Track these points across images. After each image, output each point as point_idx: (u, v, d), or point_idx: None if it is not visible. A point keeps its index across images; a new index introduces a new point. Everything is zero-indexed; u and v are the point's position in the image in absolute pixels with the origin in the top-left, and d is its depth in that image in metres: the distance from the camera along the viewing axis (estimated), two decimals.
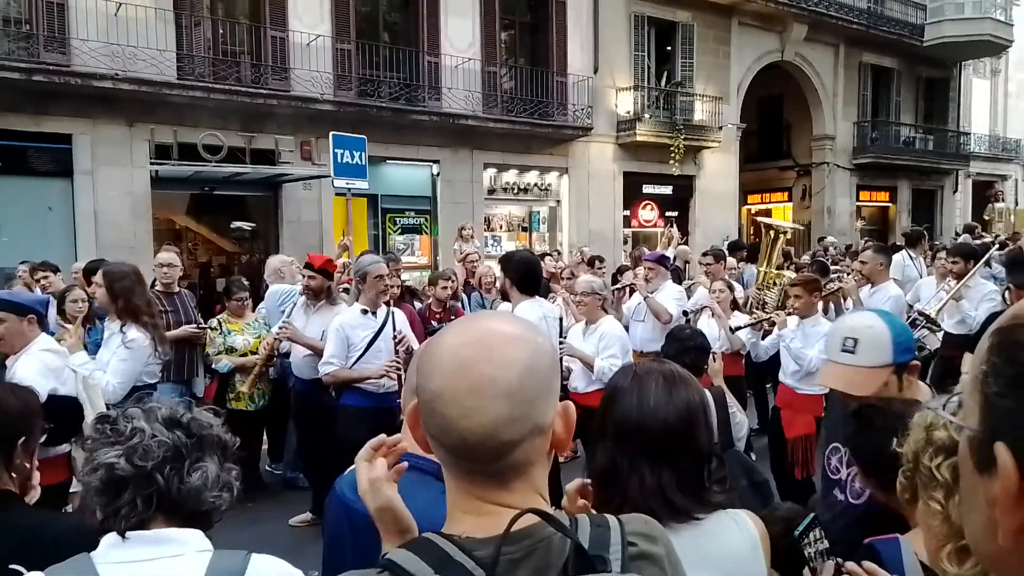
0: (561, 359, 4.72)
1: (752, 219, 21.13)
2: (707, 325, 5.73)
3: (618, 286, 6.89)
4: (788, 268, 8.28)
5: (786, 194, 21.88)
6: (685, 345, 3.66)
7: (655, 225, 17.56)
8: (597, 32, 15.67)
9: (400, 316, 4.98)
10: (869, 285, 5.66)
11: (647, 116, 16.15)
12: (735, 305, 6.25)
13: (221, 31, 11.93)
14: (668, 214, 17.69)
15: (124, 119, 10.95)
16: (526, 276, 4.64)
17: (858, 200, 21.52)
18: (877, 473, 1.73)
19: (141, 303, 4.17)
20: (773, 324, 5.43)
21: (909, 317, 5.87)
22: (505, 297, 5.50)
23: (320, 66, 12.15)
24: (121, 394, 3.93)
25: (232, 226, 13.39)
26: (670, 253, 8.55)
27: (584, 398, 4.65)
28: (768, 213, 21.36)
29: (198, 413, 1.52)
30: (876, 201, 22.48)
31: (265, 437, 6.23)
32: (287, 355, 5.69)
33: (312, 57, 12.05)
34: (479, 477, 0.94)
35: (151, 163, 10.97)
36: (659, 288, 6.35)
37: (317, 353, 4.99)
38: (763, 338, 5.81)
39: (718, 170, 17.86)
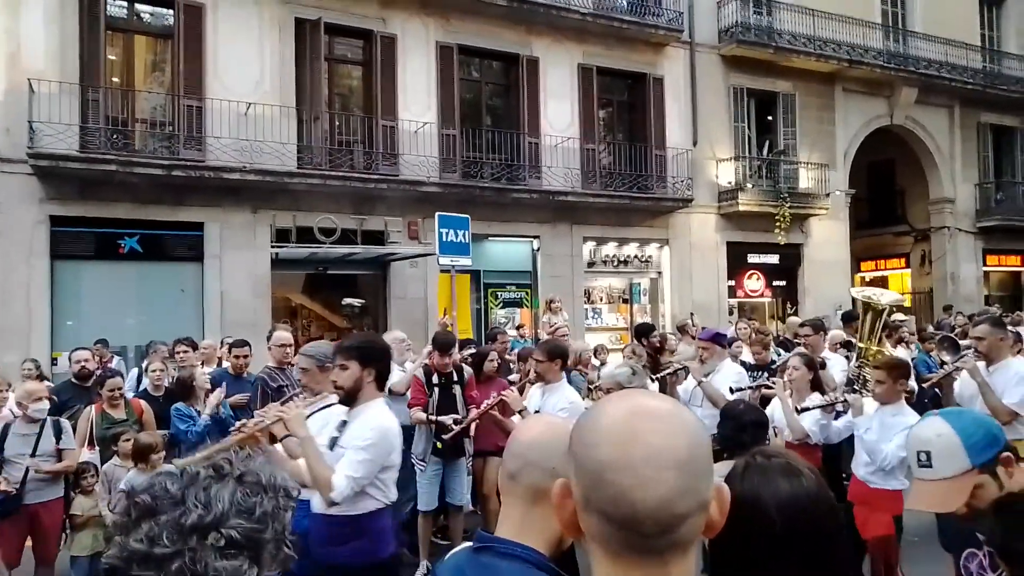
0: None
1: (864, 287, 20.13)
2: (773, 407, 5.07)
3: (668, 371, 6.17)
4: (893, 343, 7.69)
5: (903, 260, 20.78)
6: (741, 422, 3.46)
7: (762, 295, 17.06)
8: (695, 106, 15.78)
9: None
10: (985, 364, 4.94)
11: (749, 186, 15.95)
12: (816, 385, 5.13)
13: (337, 123, 12.85)
14: (775, 283, 17.18)
15: (249, 207, 11.86)
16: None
17: (985, 265, 20.13)
18: None
19: None
20: (846, 406, 4.79)
21: None
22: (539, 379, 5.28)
23: (427, 151, 12.80)
24: None
25: (343, 303, 14.05)
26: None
27: None
28: (884, 281, 20.34)
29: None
30: (1006, 266, 20.94)
31: None
32: None
33: (419, 143, 12.74)
34: (639, 553, 0.91)
35: (272, 246, 11.80)
36: (715, 370, 5.76)
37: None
38: (836, 419, 5.00)
39: (827, 238, 17.25)
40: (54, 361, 10.27)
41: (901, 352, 7.85)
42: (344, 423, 3.31)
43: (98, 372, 6.65)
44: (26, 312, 10.36)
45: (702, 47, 15.94)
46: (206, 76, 11.50)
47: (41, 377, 7.39)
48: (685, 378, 6.02)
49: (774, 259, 16.87)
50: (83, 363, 6.39)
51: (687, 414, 0.95)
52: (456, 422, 5.65)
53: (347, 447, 3.16)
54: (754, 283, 16.97)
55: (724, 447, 3.45)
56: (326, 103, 12.70)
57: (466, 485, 6.20)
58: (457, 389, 5.99)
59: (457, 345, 6.56)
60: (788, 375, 5.14)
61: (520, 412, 4.92)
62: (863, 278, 21.12)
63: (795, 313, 15.28)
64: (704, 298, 15.62)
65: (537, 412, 4.89)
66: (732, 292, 16.57)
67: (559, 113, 14.32)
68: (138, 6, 11.74)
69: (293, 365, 6.16)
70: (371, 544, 3.17)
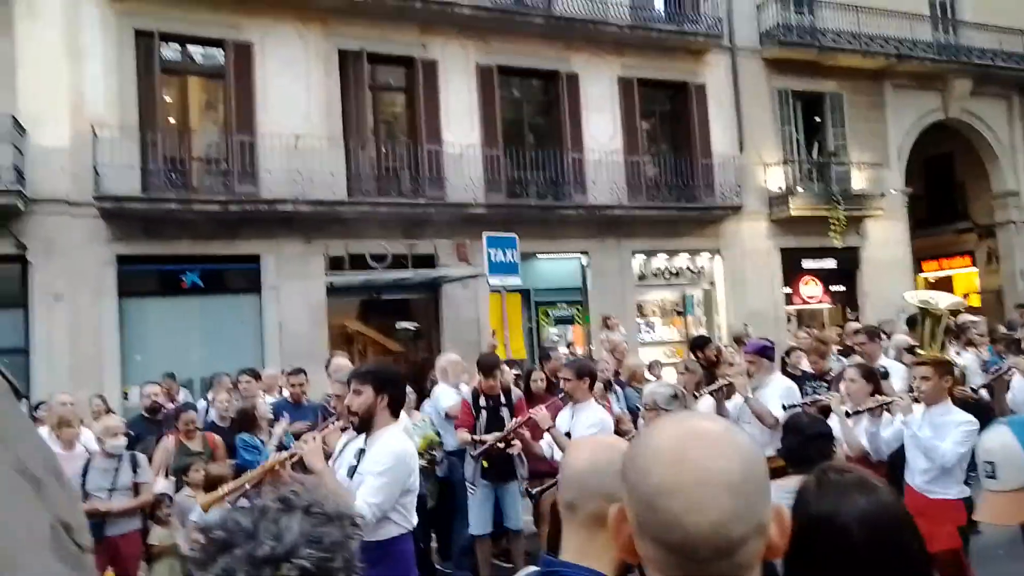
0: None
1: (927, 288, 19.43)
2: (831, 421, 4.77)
3: (714, 387, 5.69)
4: (961, 347, 7.37)
5: (968, 258, 20.02)
6: (806, 435, 3.35)
7: (820, 301, 16.64)
8: (740, 111, 15.58)
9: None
10: None
11: (800, 190, 15.64)
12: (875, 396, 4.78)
13: (383, 150, 13.08)
14: (833, 288, 16.73)
15: (302, 237, 12.13)
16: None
17: None
18: None
19: None
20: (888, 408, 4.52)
21: None
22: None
23: (471, 173, 12.93)
24: None
25: (397, 327, 14.21)
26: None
27: None
28: (948, 281, 19.64)
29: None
30: None
31: (434, 535, 6.38)
32: (453, 452, 5.86)
33: (464, 165, 12.88)
34: None
35: (326, 274, 12.03)
36: (763, 384, 5.48)
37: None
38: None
39: (885, 238, 16.76)
40: (125, 395, 10.63)
41: (970, 356, 7.54)
42: (362, 451, 3.34)
43: (168, 405, 6.88)
44: (97, 349, 10.77)
45: (743, 51, 15.76)
46: (256, 112, 11.85)
47: (108, 412, 7.66)
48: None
49: (831, 264, 16.45)
50: (153, 397, 6.61)
51: (740, 435, 0.94)
52: (501, 441, 5.61)
53: (365, 474, 3.20)
54: (811, 289, 16.57)
55: (789, 461, 3.38)
56: (372, 131, 12.96)
57: (522, 508, 6.16)
58: (505, 411, 5.97)
59: (503, 365, 6.55)
60: (845, 387, 4.92)
61: (548, 430, 4.92)
62: (926, 279, 20.43)
63: (856, 319, 14.86)
64: (760, 307, 15.30)
65: (568, 433, 4.86)
66: (788, 299, 16.22)
67: (601, 127, 14.31)
68: (190, 48, 12.20)
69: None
70: (395, 570, 3.19)
